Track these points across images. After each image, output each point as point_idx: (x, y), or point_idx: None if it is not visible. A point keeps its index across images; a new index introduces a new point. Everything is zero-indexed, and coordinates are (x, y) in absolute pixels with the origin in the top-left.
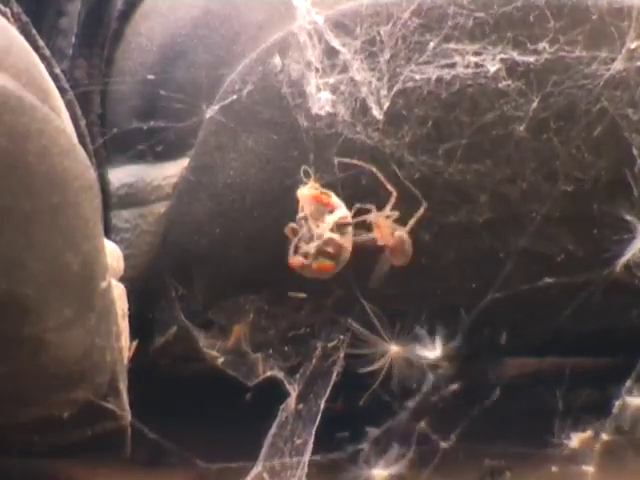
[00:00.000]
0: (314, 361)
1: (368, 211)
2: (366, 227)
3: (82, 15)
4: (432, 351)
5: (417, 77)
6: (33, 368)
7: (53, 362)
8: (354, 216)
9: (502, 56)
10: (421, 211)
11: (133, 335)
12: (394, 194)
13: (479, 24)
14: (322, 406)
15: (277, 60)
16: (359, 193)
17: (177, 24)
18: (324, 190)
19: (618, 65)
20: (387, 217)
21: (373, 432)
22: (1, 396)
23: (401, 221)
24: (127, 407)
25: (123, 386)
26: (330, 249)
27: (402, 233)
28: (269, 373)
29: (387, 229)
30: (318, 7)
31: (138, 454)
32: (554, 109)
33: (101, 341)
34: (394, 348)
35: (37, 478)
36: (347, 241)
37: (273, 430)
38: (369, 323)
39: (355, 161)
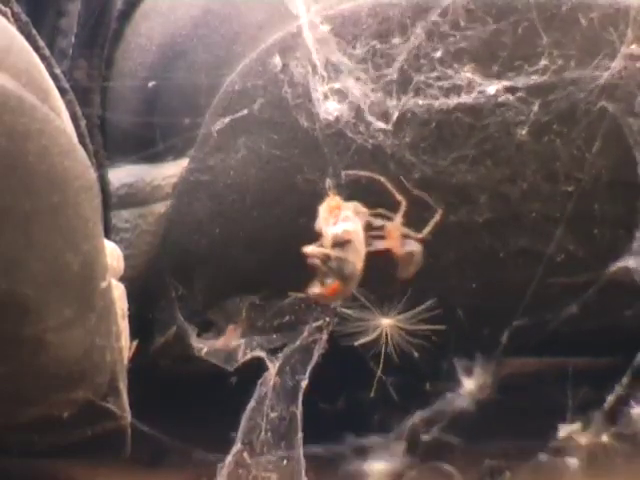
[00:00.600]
0: (298, 343)
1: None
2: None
3: (82, 15)
4: (471, 381)
5: (420, 102)
6: (33, 368)
7: (53, 362)
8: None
9: (505, 83)
10: (437, 217)
11: (133, 335)
12: (403, 203)
13: (478, 46)
14: (303, 384)
15: (277, 60)
16: (359, 190)
17: (177, 24)
18: (343, 203)
19: (616, 67)
20: (398, 226)
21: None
22: (1, 396)
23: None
24: (127, 407)
25: (123, 386)
26: (333, 264)
27: (413, 248)
28: (250, 355)
29: (398, 240)
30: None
31: (138, 454)
32: (554, 114)
33: (101, 341)
34: (387, 321)
35: (37, 478)
36: (353, 255)
37: (252, 404)
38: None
39: (363, 172)
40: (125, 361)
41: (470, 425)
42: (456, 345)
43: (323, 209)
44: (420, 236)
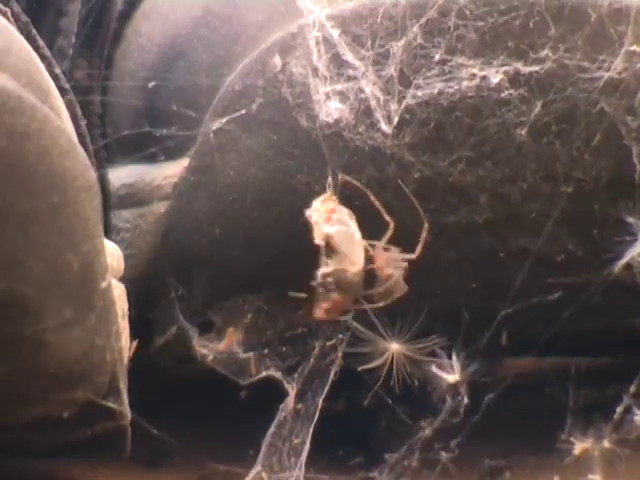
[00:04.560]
0: (312, 360)
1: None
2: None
3: (82, 15)
4: (451, 374)
5: (420, 93)
6: (33, 368)
7: (53, 362)
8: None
9: (505, 68)
10: (424, 234)
11: (133, 335)
12: (391, 225)
13: (480, 35)
14: (320, 404)
15: (277, 60)
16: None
17: (177, 24)
18: (332, 205)
19: (617, 67)
20: (385, 249)
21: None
22: (1, 396)
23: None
24: (127, 407)
25: (123, 386)
26: (330, 279)
27: (396, 275)
28: (265, 373)
29: (383, 263)
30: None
31: (138, 454)
32: (555, 113)
33: (101, 341)
34: (395, 346)
35: (37, 478)
36: (348, 263)
37: (272, 430)
38: (369, 323)
39: (359, 184)
40: (125, 361)
41: (470, 425)
42: (456, 345)
43: (317, 203)
44: (412, 256)
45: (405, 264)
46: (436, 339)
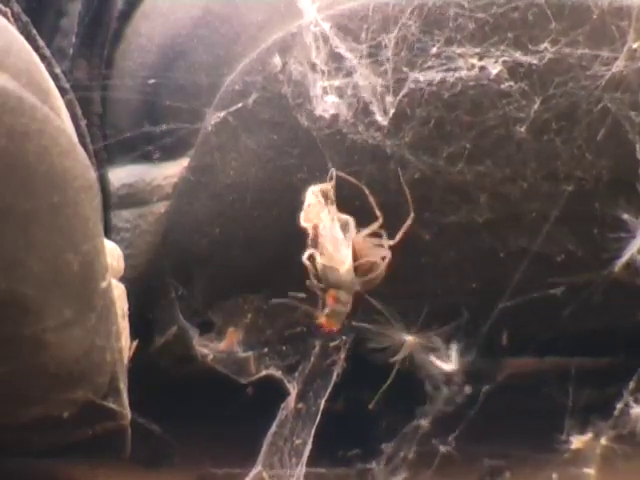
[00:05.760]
0: (312, 359)
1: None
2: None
3: (82, 15)
4: (448, 363)
5: (421, 79)
6: (33, 368)
7: (53, 362)
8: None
9: (504, 58)
10: (408, 223)
11: (133, 335)
12: (380, 219)
13: (480, 26)
14: (322, 406)
15: (277, 60)
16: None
17: (177, 24)
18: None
19: (620, 65)
20: (368, 239)
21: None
22: (1, 396)
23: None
24: (127, 407)
25: (123, 386)
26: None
27: (375, 261)
28: (265, 372)
29: (364, 251)
30: (324, 8)
31: (138, 454)
32: (555, 110)
33: (101, 341)
34: (410, 338)
35: (37, 478)
36: (333, 259)
37: (273, 429)
38: (372, 322)
39: (349, 177)
40: (125, 361)
41: (470, 425)
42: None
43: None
44: (392, 242)
45: (388, 252)
46: (444, 328)
